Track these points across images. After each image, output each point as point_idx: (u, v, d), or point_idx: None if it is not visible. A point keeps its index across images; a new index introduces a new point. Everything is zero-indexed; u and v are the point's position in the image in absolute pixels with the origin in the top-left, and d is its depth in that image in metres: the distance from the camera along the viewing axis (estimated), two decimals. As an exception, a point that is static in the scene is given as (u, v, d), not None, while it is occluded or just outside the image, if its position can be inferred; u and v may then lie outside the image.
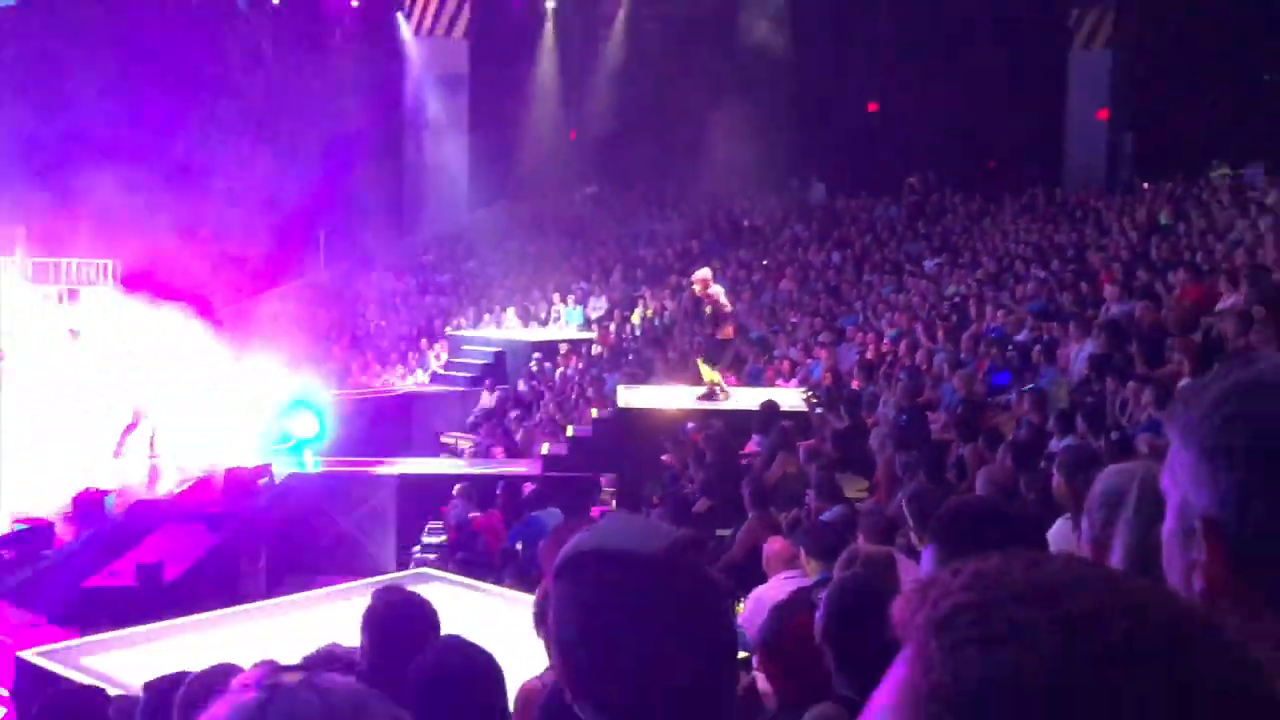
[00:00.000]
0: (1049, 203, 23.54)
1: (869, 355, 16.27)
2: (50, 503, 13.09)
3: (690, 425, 13.44)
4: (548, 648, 4.71)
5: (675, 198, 27.36)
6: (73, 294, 20.33)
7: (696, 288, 14.85)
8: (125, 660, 7.28)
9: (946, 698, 0.72)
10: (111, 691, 6.07)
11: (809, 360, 17.20)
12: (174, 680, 3.65)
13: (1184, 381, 8.92)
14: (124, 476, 14.41)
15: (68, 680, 6.98)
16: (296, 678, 1.18)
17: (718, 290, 14.99)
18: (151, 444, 14.94)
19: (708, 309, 14.68)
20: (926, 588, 0.79)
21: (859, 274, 22.59)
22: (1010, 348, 13.98)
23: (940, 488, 7.88)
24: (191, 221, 20.58)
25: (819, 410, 13.79)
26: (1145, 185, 21.77)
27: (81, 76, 23.13)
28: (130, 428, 15.89)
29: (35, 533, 12.16)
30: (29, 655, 7.65)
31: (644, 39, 25.83)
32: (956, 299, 18.04)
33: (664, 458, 13.19)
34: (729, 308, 15.11)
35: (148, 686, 3.95)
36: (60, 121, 21.94)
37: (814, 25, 24.11)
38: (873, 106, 27.02)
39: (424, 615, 3.69)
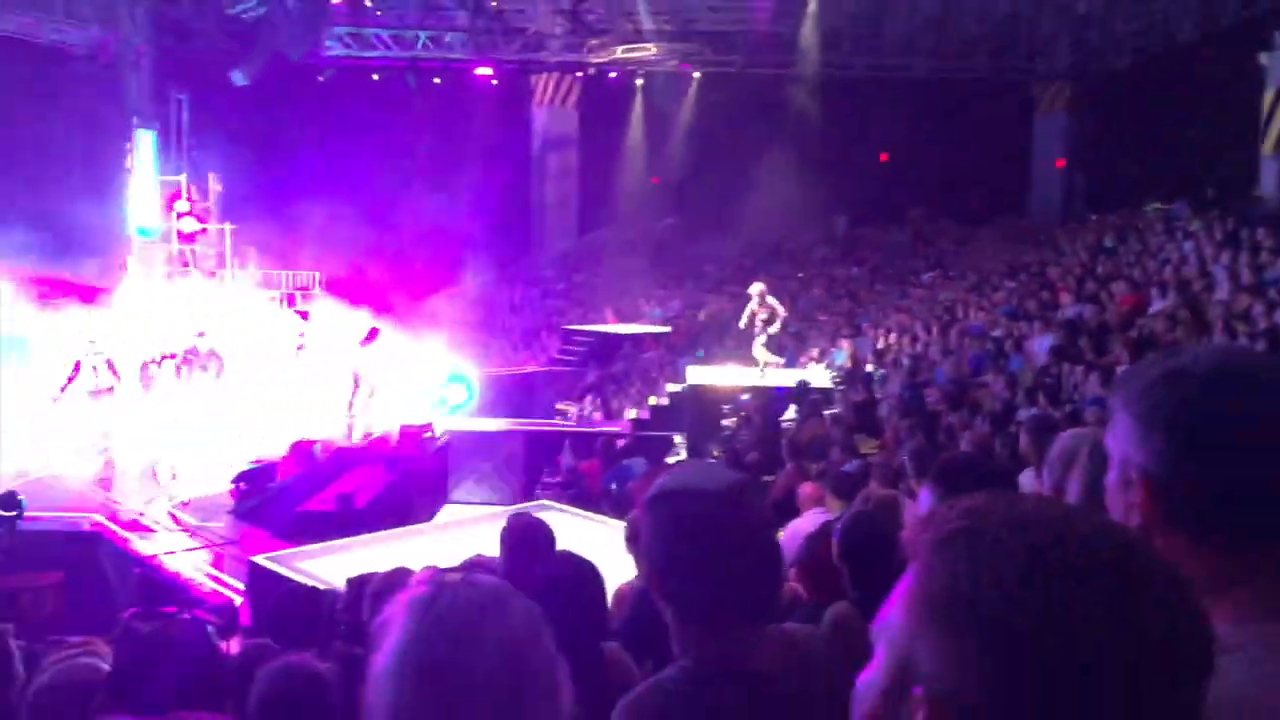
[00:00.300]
0: (1017, 230, 23.10)
1: (880, 345, 16.08)
2: (275, 448, 13.39)
3: (744, 397, 13.40)
4: (637, 561, 4.75)
5: (732, 226, 27.20)
6: (290, 298, 20.76)
7: (756, 296, 14.87)
8: (328, 564, 7.40)
9: (944, 600, 0.73)
10: (318, 586, 6.20)
11: (834, 349, 17.04)
12: (365, 579, 3.71)
13: (1123, 368, 8.71)
14: (328, 429, 14.63)
15: (288, 579, 7.12)
16: (457, 576, 1.22)
17: (773, 299, 14.99)
18: (350, 405, 15.15)
19: (764, 313, 14.67)
20: (930, 517, 0.80)
21: (873, 284, 22.33)
22: (987, 341, 13.75)
23: (934, 446, 7.78)
24: (377, 244, 20.91)
25: (841, 387, 13.67)
26: (1094, 217, 21.26)
27: (298, 137, 23.62)
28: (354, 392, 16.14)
29: (264, 470, 12.41)
30: (259, 560, 7.80)
31: (710, 106, 25.72)
32: (947, 303, 17.76)
33: (724, 421, 13.14)
34: (781, 311, 15.05)
35: (349, 581, 4.01)
36: (284, 169, 22.43)
37: (840, 96, 23.85)
38: (884, 157, 26.67)
39: (545, 533, 3.73)
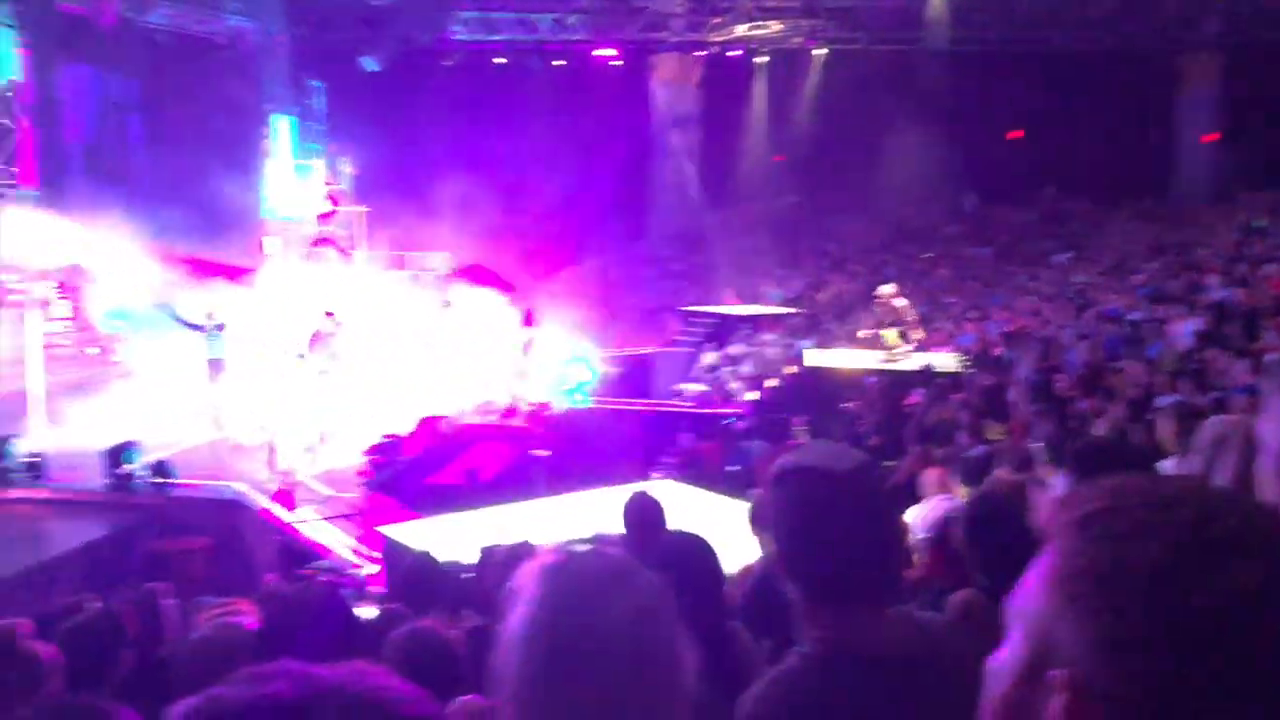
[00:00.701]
0: (1159, 209, 22.03)
1: (1009, 328, 15.59)
2: (404, 424, 13.81)
3: (868, 380, 13.19)
4: (760, 540, 4.75)
5: (856, 205, 26.73)
6: (433, 280, 21.32)
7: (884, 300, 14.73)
8: (455, 536, 7.55)
9: (1085, 580, 0.72)
10: (445, 556, 6.41)
11: (961, 332, 16.61)
12: (493, 549, 3.83)
13: (1275, 354, 8.25)
14: (455, 405, 14.96)
15: (415, 548, 7.35)
16: (584, 547, 1.25)
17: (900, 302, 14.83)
18: (508, 383, 15.58)
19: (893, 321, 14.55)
20: (1070, 497, 0.78)
21: (1002, 265, 21.65)
22: (1125, 324, 13.17)
23: (1065, 433, 7.52)
24: (502, 227, 21.27)
25: (969, 370, 13.32)
26: (1243, 195, 20.07)
27: (427, 120, 24.22)
28: (527, 346, 16.49)
29: (394, 445, 12.80)
30: (390, 530, 8.08)
31: (834, 84, 25.27)
32: (1081, 286, 17.09)
33: (848, 405, 12.95)
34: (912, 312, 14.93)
35: (483, 550, 4.12)
36: (414, 153, 23.03)
37: (969, 70, 23.09)
38: (1016, 133, 25.74)
39: (662, 509, 3.77)
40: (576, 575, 1.15)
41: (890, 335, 14.51)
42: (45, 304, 17.14)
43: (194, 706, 0.60)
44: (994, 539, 3.08)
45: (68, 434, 12.84)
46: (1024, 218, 24.59)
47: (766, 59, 25.95)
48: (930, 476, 6.54)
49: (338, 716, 0.60)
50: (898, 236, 25.33)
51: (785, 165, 27.68)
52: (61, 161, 19.53)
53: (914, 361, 13.98)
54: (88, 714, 2.52)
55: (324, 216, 21.74)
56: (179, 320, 13.59)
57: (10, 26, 17.60)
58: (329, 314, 13.38)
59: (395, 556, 7.20)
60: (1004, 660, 0.76)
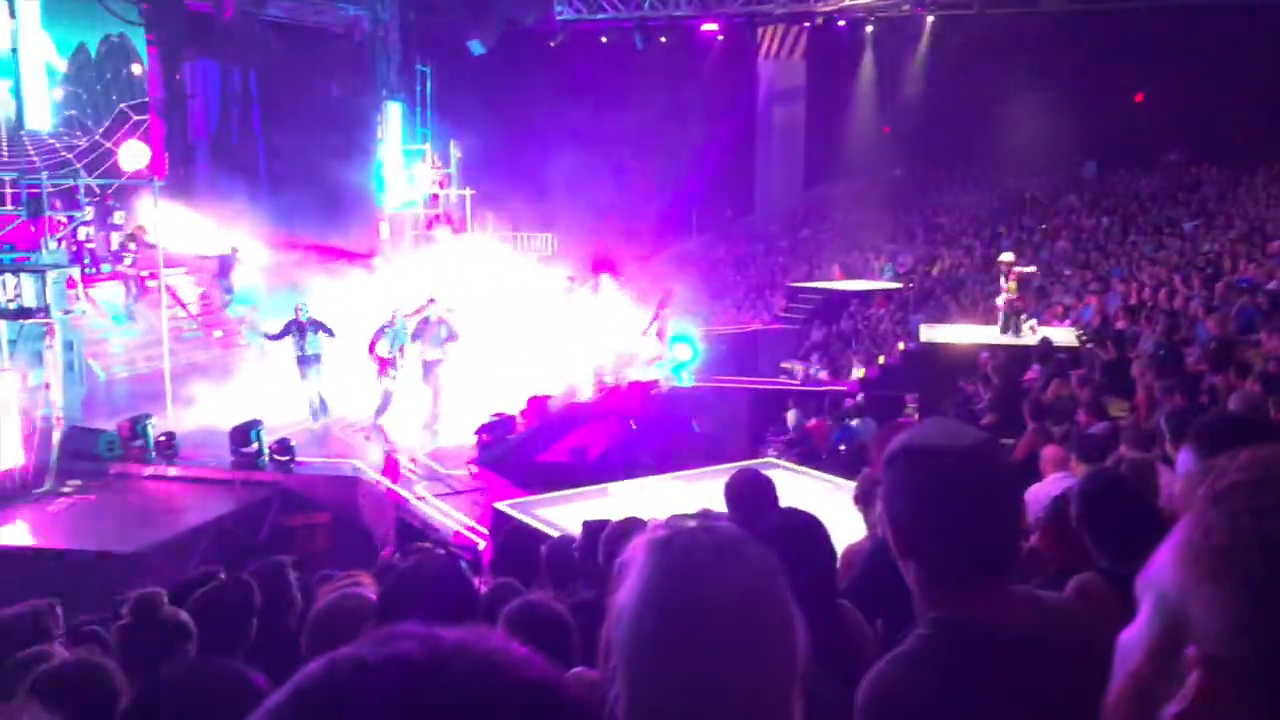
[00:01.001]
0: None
1: (1132, 301, 14.98)
2: (514, 403, 14.05)
3: (983, 355, 12.85)
4: (866, 520, 4.69)
5: (969, 176, 26.02)
6: (530, 258, 21.61)
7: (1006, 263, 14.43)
8: (562, 512, 7.72)
9: (1224, 554, 0.68)
10: (553, 532, 6.50)
11: (1080, 305, 16.03)
12: (599, 525, 3.85)
13: None
14: (562, 386, 15.14)
15: (524, 523, 7.49)
16: (694, 520, 1.24)
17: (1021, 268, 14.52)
18: (650, 360, 15.79)
19: (1013, 282, 14.18)
20: (1207, 470, 0.75)
21: (1124, 235, 20.79)
22: (1260, 294, 12.50)
23: (1195, 409, 7.19)
24: (605, 205, 21.42)
25: (1089, 345, 12.86)
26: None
27: (532, 102, 24.49)
28: (661, 307, 16.72)
29: (504, 423, 13.03)
30: (501, 506, 8.25)
31: (945, 51, 24.55)
32: (1211, 255, 16.28)
33: (963, 384, 12.64)
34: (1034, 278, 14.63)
35: (585, 525, 4.16)
36: (520, 134, 23.35)
37: (1089, 31, 22.14)
38: (1139, 96, 24.61)
39: (769, 488, 3.73)
40: (686, 548, 1.14)
41: (1013, 287, 14.25)
42: (175, 290, 18.01)
43: (323, 667, 0.62)
44: (1110, 517, 2.98)
45: (197, 414, 13.46)
46: (1148, 184, 23.55)
47: (873, 28, 25.35)
48: (1049, 454, 6.35)
49: (463, 677, 0.61)
50: (1013, 207, 24.55)
51: (894, 137, 27.11)
52: (188, 152, 20.42)
53: (1031, 337, 13.58)
54: (224, 675, 2.65)
55: (434, 200, 22.21)
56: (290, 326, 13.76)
57: (139, 24, 18.42)
58: (431, 300, 13.60)
59: (502, 530, 7.36)
60: (1134, 637, 0.73)
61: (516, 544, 4.93)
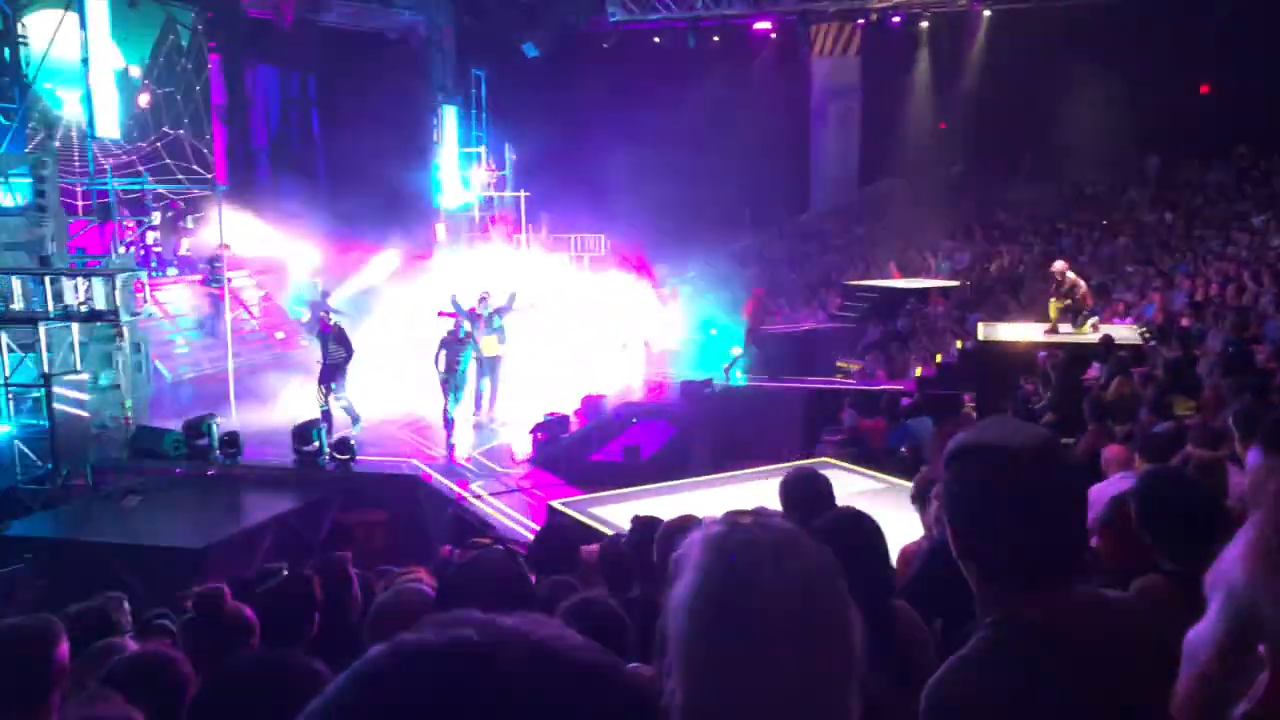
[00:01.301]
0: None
1: (1199, 297, 14.63)
2: (569, 402, 14.10)
3: (1042, 354, 12.63)
4: (923, 520, 4.63)
5: (1027, 172, 25.55)
6: (578, 260, 21.72)
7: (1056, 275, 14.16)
8: (617, 511, 7.71)
9: None
10: (607, 531, 6.51)
11: (1143, 302, 15.69)
12: (651, 522, 3.86)
13: None
14: (614, 385, 15.18)
15: (563, 519, 7.52)
16: (749, 517, 1.23)
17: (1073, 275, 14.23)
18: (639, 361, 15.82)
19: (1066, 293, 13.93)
20: (1277, 467, 0.73)
21: (1189, 230, 20.28)
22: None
23: (1265, 408, 6.99)
24: (658, 205, 21.38)
25: (1152, 343, 12.58)
26: None
27: (586, 104, 24.58)
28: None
29: (558, 422, 13.10)
30: (555, 504, 8.29)
31: (1002, 45, 24.14)
32: (1281, 249, 15.84)
33: (1022, 382, 12.43)
34: (1082, 286, 14.24)
35: (635, 520, 4.17)
36: (573, 136, 23.43)
37: (1153, 21, 21.59)
38: (1205, 88, 23.95)
39: (824, 486, 3.70)
40: (742, 543, 1.14)
41: (1054, 306, 13.92)
42: (239, 293, 18.38)
43: (385, 651, 0.63)
44: (1171, 517, 2.90)
45: (260, 414, 13.72)
46: (1214, 178, 22.94)
47: (929, 23, 25.03)
48: (1111, 453, 6.22)
49: (522, 662, 0.62)
50: (1074, 203, 24.08)
51: (951, 133, 26.71)
52: (250, 158, 20.83)
53: (1092, 334, 13.32)
54: (287, 664, 2.70)
55: (489, 201, 22.41)
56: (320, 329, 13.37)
57: (203, 32, 18.82)
58: (483, 297, 13.69)
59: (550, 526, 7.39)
60: (1202, 635, 0.71)
61: (553, 539, 4.92)
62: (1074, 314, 14.04)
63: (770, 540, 1.15)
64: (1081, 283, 14.25)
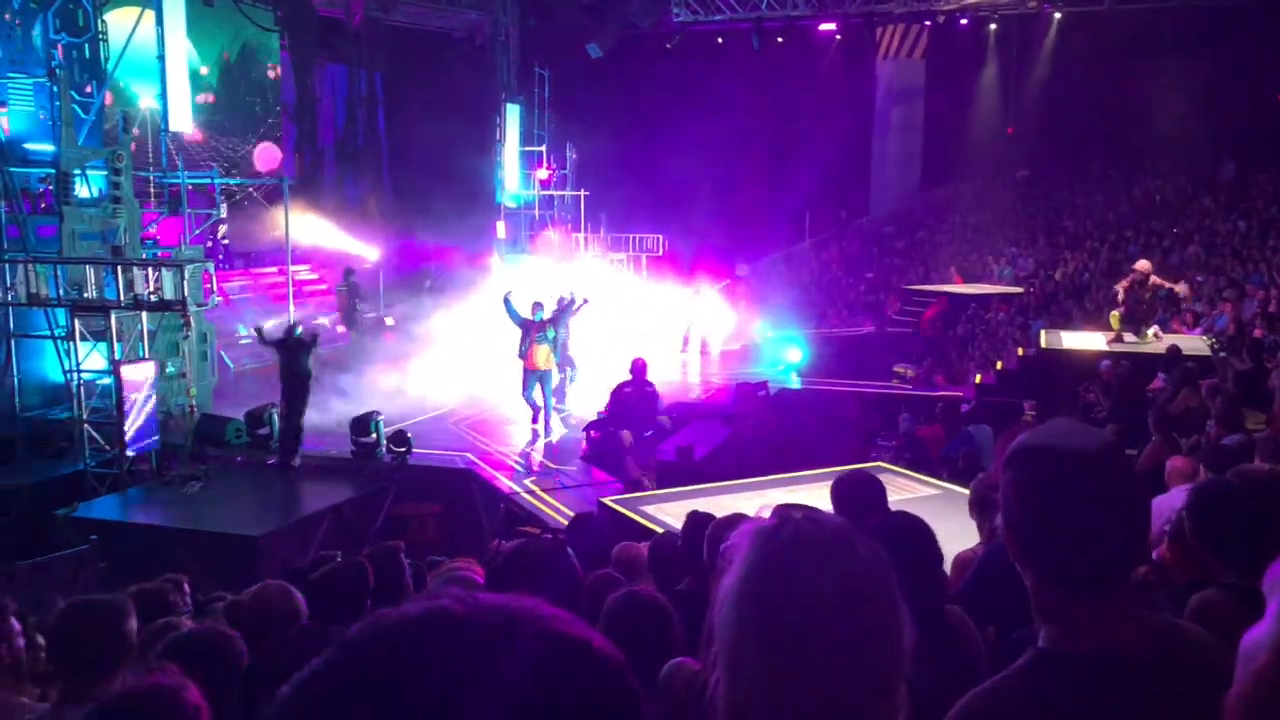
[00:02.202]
0: None
1: (1271, 308, 14.21)
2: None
3: (1105, 364, 12.37)
4: (980, 527, 4.56)
5: (1096, 178, 25.05)
6: (635, 260, 21.76)
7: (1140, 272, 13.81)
8: (669, 510, 7.68)
9: None
10: (657, 529, 6.51)
11: (1213, 312, 15.29)
12: (705, 517, 3.86)
13: None
14: (670, 384, 15.17)
15: (631, 518, 7.52)
16: (800, 513, 1.22)
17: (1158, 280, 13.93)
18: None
19: (1148, 294, 13.56)
20: None
21: (1264, 239, 19.71)
22: None
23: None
24: (718, 206, 21.39)
25: (1222, 354, 12.24)
26: None
27: (648, 104, 24.62)
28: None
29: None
30: (608, 501, 8.30)
31: (1072, 49, 23.69)
32: (1361, 261, 15.32)
33: (1083, 391, 12.18)
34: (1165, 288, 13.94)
35: (691, 515, 4.18)
36: (635, 136, 23.49)
37: (1228, 25, 21.01)
38: (1282, 93, 23.28)
39: (877, 489, 3.68)
40: (792, 537, 1.13)
41: (1115, 318, 13.60)
42: (301, 286, 18.72)
43: (367, 623, 0.65)
44: (1227, 529, 2.81)
45: (319, 405, 13.94)
46: (1292, 186, 22.29)
47: (997, 26, 24.65)
48: (1176, 465, 6.06)
49: (497, 631, 0.64)
50: (1144, 210, 23.56)
51: (1017, 137, 26.30)
52: (317, 155, 21.19)
53: (1157, 344, 13.02)
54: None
55: (549, 200, 22.57)
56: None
57: (275, 30, 19.20)
58: (537, 304, 13.59)
59: (612, 525, 7.39)
60: (1259, 636, 0.69)
61: (586, 533, 4.91)
62: (1137, 322, 13.71)
63: (821, 536, 1.14)
64: (1167, 285, 13.92)
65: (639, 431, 12.14)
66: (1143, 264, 14.14)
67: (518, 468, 12.17)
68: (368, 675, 0.62)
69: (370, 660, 0.63)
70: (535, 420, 13.64)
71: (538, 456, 12.65)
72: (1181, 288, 14.58)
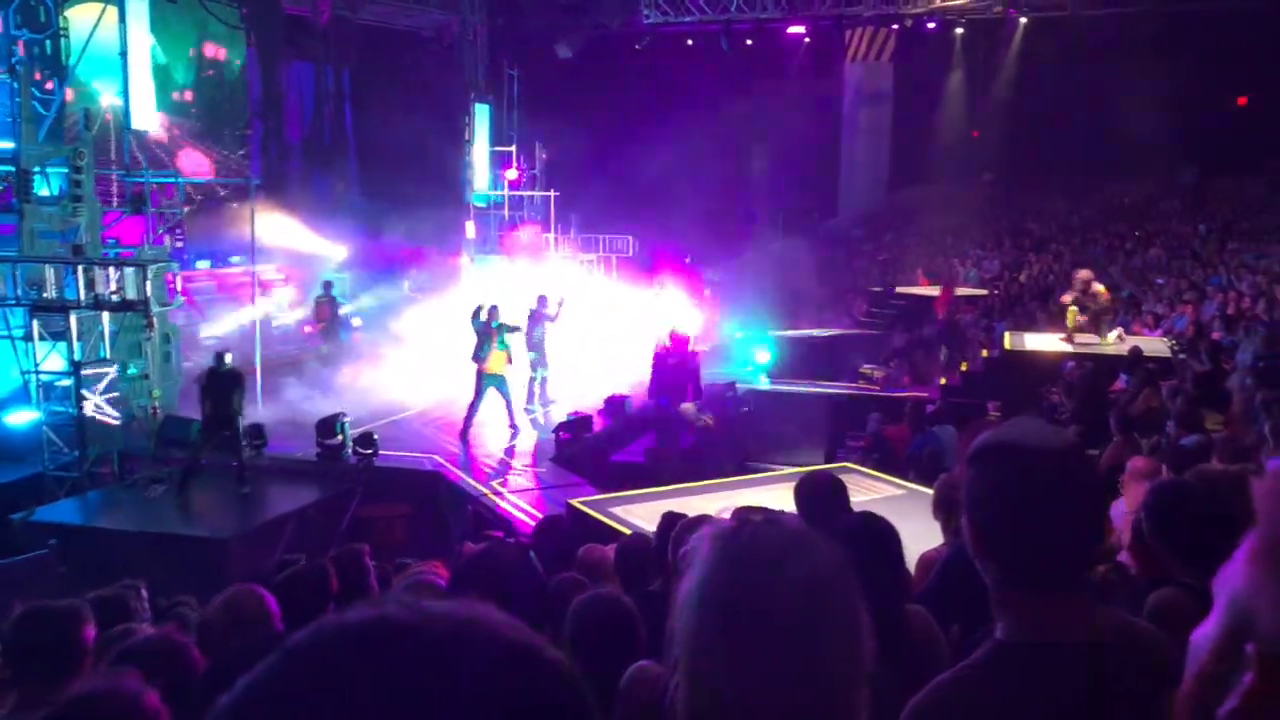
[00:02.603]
0: None
1: (1229, 311, 14.44)
2: (592, 402, 14.11)
3: (1068, 365, 12.52)
4: (943, 527, 4.60)
5: (1060, 182, 25.34)
6: (606, 261, 21.73)
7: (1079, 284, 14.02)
8: (636, 511, 7.69)
9: None
10: (625, 531, 6.51)
11: (1173, 314, 15.51)
12: (674, 518, 3.86)
13: None
14: (638, 386, 15.18)
15: (599, 520, 7.51)
16: (760, 515, 1.22)
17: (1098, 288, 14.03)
18: None
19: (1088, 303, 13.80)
20: (1275, 470, 0.71)
21: (1223, 243, 20.04)
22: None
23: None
24: (688, 206, 21.39)
25: (1181, 355, 12.42)
26: None
27: (617, 104, 24.61)
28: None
29: (582, 421, 13.10)
30: (575, 503, 8.29)
31: (1037, 53, 23.94)
32: (1317, 264, 15.61)
33: (1046, 392, 12.31)
34: (1104, 297, 14.08)
35: (666, 515, 4.17)
36: (604, 136, 23.46)
37: (1190, 32, 21.33)
38: (1242, 100, 23.67)
39: (838, 489, 3.69)
40: (751, 539, 1.14)
41: (1072, 315, 13.80)
42: (269, 287, 18.53)
43: (308, 630, 0.64)
44: (1183, 529, 2.85)
45: (286, 406, 13.81)
46: (1250, 191, 22.66)
47: (964, 30, 24.87)
48: (1136, 465, 6.14)
49: (440, 634, 0.63)
50: (1106, 214, 23.87)
51: (983, 141, 26.57)
52: (283, 153, 20.99)
53: (1119, 345, 13.19)
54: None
55: (518, 201, 22.49)
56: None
57: (240, 28, 18.98)
58: (494, 309, 13.45)
59: (579, 525, 7.38)
60: (1205, 635, 0.70)
61: (551, 536, 4.84)
62: (1095, 324, 13.90)
63: (779, 539, 1.14)
64: (1104, 293, 14.10)
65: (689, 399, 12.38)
66: (1083, 273, 14.43)
67: (487, 469, 12.13)
68: (306, 684, 0.61)
69: (309, 669, 0.62)
70: (529, 403, 13.77)
71: (507, 458, 12.61)
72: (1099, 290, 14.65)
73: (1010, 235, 24.18)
